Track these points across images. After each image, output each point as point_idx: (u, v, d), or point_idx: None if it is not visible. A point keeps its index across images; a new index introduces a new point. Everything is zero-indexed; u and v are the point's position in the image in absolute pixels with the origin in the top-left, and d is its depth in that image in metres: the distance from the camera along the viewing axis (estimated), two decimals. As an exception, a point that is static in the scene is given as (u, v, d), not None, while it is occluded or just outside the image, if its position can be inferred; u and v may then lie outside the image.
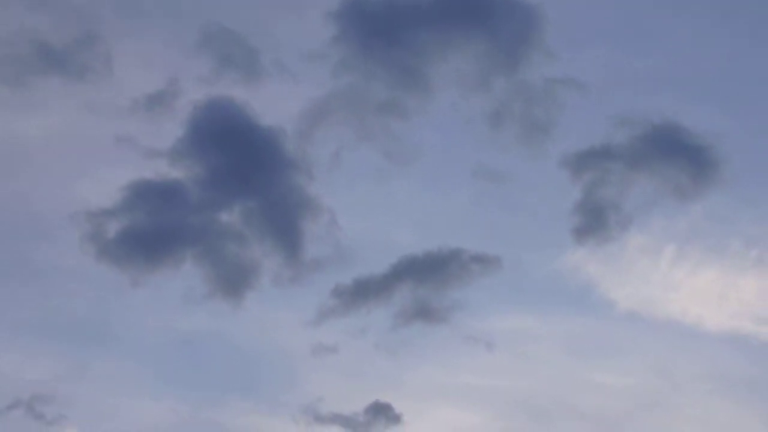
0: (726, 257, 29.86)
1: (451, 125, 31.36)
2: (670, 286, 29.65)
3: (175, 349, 29.68)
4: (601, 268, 29.69)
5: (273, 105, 30.09)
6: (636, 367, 29.28)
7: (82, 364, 28.96)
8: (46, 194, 30.82)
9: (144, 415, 28.59)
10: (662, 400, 28.56)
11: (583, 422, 28.43)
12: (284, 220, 28.68)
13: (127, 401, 28.61)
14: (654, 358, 29.34)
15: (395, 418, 26.68)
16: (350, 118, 29.98)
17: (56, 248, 30.01)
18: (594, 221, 28.75)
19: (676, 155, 29.25)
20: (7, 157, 30.84)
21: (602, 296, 29.35)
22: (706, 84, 32.36)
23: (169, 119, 29.48)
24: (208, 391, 29.10)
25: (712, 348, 28.95)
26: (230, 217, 28.88)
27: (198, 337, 29.93)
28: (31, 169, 30.90)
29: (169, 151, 28.78)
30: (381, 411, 26.75)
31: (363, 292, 28.10)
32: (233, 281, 27.97)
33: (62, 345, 29.23)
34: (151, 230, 28.06)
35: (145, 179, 28.66)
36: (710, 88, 32.24)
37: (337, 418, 26.76)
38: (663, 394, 28.72)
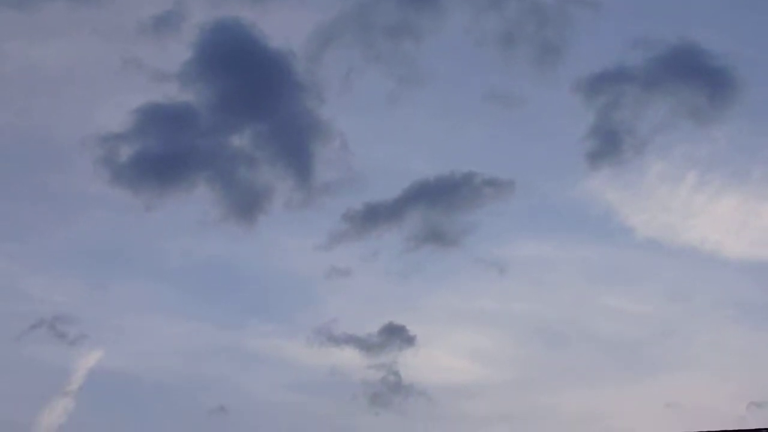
0: (747, 184, 29.55)
1: (462, 48, 31.01)
2: (690, 213, 29.38)
3: (192, 272, 29.92)
4: (620, 194, 29.45)
5: (281, 27, 29.70)
6: (653, 293, 29.20)
7: (102, 286, 29.28)
8: (56, 120, 30.89)
9: (165, 336, 29.06)
10: (679, 327, 28.47)
11: (600, 347, 28.44)
12: (295, 144, 28.52)
13: (147, 323, 28.97)
14: (672, 285, 29.16)
15: (409, 340, 26.76)
16: (360, 40, 29.60)
17: (70, 174, 30.14)
18: (608, 145, 28.44)
19: (694, 78, 28.66)
20: (16, 85, 30.99)
21: (621, 223, 29.18)
22: (725, 3, 31.77)
23: (177, 42, 29.23)
24: (225, 313, 29.36)
25: (731, 275, 28.72)
26: (241, 140, 28.78)
27: (213, 261, 30.14)
28: (41, 95, 30.93)
29: (177, 75, 28.59)
30: (395, 332, 26.78)
31: (374, 216, 28.09)
32: (246, 205, 27.99)
33: (82, 268, 29.55)
34: (163, 154, 28.00)
35: (155, 103, 28.60)
36: (730, 8, 31.60)
37: (351, 340, 26.88)
38: (680, 321, 28.62)
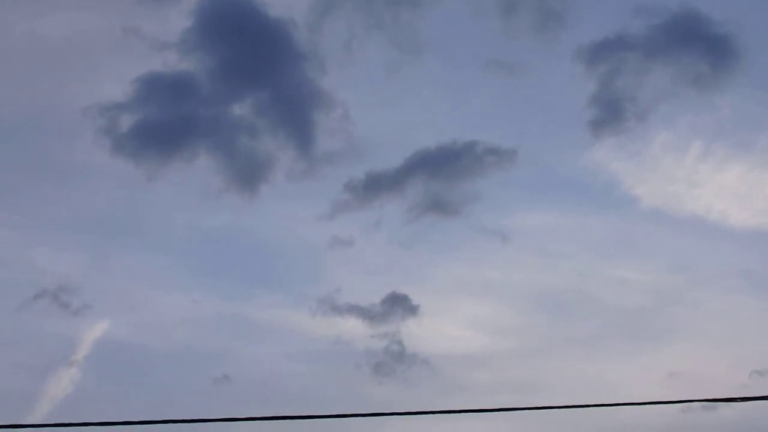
0: (753, 153, 29.41)
1: (463, 16, 30.86)
2: (695, 183, 29.26)
3: (195, 242, 30.00)
4: (624, 165, 29.37)
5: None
6: (658, 263, 29.16)
7: (105, 257, 29.36)
8: (57, 90, 30.79)
9: (168, 306, 29.16)
10: (683, 296, 28.48)
11: (604, 317, 28.48)
12: (296, 113, 28.47)
13: (151, 293, 29.07)
14: (676, 255, 29.16)
15: (412, 309, 26.75)
16: (360, 9, 29.45)
17: (71, 144, 30.14)
18: (610, 114, 28.32)
19: (695, 45, 28.48)
20: (16, 56, 30.84)
21: (625, 193, 29.13)
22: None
23: (176, 10, 29.05)
24: (228, 283, 29.43)
25: (736, 245, 28.68)
26: (242, 110, 28.72)
27: (216, 231, 30.19)
28: (40, 65, 30.84)
29: (177, 43, 28.37)
30: (398, 302, 26.76)
31: (376, 186, 28.09)
32: (247, 175, 28.00)
33: (85, 239, 29.60)
34: (164, 124, 27.93)
35: (155, 72, 28.41)
36: (733, -26, 31.38)
37: (354, 309, 26.90)
38: (684, 290, 28.62)
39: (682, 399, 8.69)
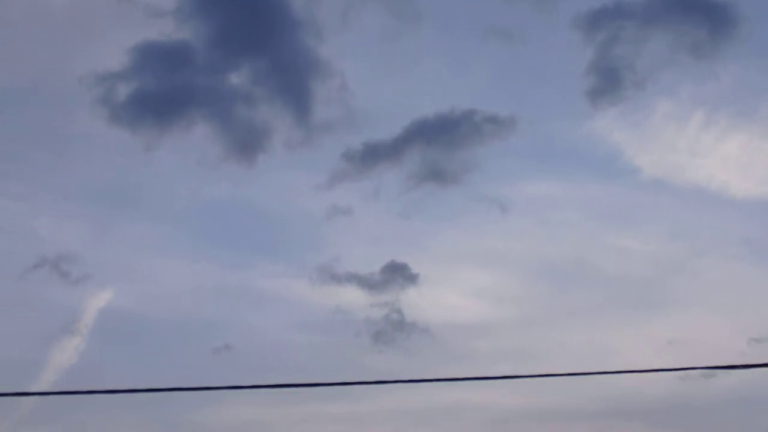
0: (754, 123, 29.28)
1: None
2: (697, 153, 29.21)
3: (194, 212, 29.97)
4: (626, 135, 29.33)
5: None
6: (659, 232, 29.20)
7: (105, 226, 29.35)
8: (53, 59, 30.64)
9: (169, 276, 29.21)
10: (684, 265, 28.54)
11: (605, 286, 28.57)
12: (294, 82, 28.32)
13: (151, 263, 29.09)
14: (678, 224, 29.19)
15: (411, 278, 26.80)
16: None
17: (68, 114, 30.02)
18: (608, 82, 28.22)
19: (693, 12, 28.22)
20: (13, 25, 30.64)
21: (627, 163, 29.10)
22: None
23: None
24: (228, 253, 29.48)
25: (737, 214, 28.70)
26: (239, 78, 28.63)
27: (214, 201, 30.17)
28: (37, 33, 30.62)
29: (173, 11, 28.11)
30: (397, 270, 26.79)
31: (374, 155, 28.04)
32: (245, 144, 27.90)
33: (84, 208, 29.58)
34: (161, 93, 27.74)
35: (151, 41, 28.17)
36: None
37: (353, 278, 26.97)
38: (685, 259, 28.68)
39: (684, 366, 8.74)
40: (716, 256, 28.62)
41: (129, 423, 24.75)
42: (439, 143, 28.18)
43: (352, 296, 27.40)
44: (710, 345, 25.77)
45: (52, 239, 28.14)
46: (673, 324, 26.97)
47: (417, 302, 27.00)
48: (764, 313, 25.99)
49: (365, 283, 26.93)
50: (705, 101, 29.23)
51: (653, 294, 28.01)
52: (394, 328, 25.92)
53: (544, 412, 25.71)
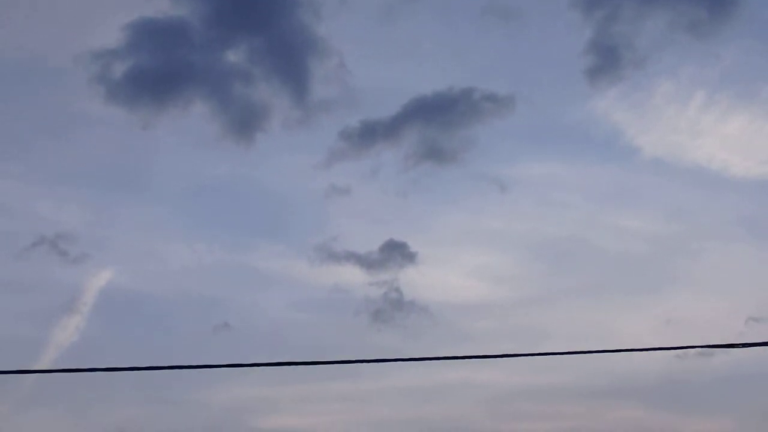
0: (756, 103, 29.23)
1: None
2: (697, 133, 29.21)
3: (192, 191, 29.84)
4: (627, 115, 29.28)
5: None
6: (660, 213, 29.19)
7: (103, 205, 29.31)
8: (48, 37, 30.49)
9: (167, 255, 29.21)
10: (685, 246, 28.58)
11: (605, 266, 28.59)
12: (292, 60, 28.23)
13: (149, 242, 29.08)
14: (678, 205, 29.18)
15: (410, 257, 26.81)
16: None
17: (64, 92, 29.89)
18: (607, 61, 28.15)
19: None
20: (3, 4, 30.47)
21: (627, 143, 29.09)
22: None
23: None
24: (227, 232, 29.46)
25: (737, 194, 28.71)
26: (236, 56, 28.51)
27: (213, 180, 30.10)
28: (31, 11, 30.48)
29: (169, -13, 28.27)
30: (396, 249, 26.80)
31: (372, 134, 28.01)
32: (243, 123, 27.85)
33: (82, 187, 29.53)
34: (157, 70, 27.60)
35: (147, 18, 27.95)
36: None
37: (352, 257, 27.00)
38: (686, 240, 28.71)
39: (682, 345, 8.77)
40: (716, 236, 28.68)
41: (129, 401, 24.87)
42: (438, 122, 28.16)
43: (351, 275, 27.46)
44: (708, 324, 25.89)
45: (49, 218, 28.16)
46: (671, 303, 27.08)
47: (416, 281, 27.07)
48: (763, 292, 26.08)
49: (364, 261, 26.99)
50: (706, 81, 29.20)
51: (652, 274, 28.08)
52: (393, 307, 25.99)
53: (543, 390, 25.82)
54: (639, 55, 27.99)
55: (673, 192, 29.30)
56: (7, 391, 23.07)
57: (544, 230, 29.19)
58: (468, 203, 29.35)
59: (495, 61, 30.62)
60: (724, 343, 9.38)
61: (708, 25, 28.05)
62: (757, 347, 9.02)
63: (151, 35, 27.67)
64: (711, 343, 9.94)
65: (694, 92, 29.09)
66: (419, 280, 27.10)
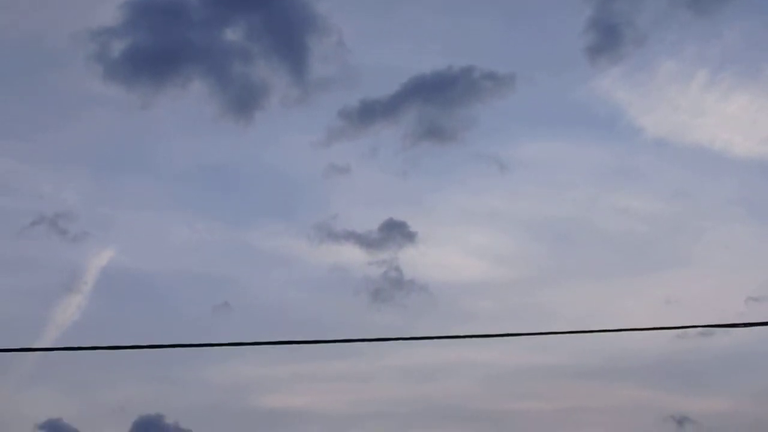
0: (758, 82, 29.17)
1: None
2: (700, 113, 29.16)
3: (192, 171, 29.88)
4: (629, 94, 29.19)
5: None
6: (662, 192, 29.21)
7: (103, 184, 29.42)
8: (45, 15, 30.39)
9: (167, 234, 29.26)
10: (686, 225, 28.64)
11: (606, 246, 28.65)
12: (290, 38, 28.13)
13: (148, 221, 29.19)
14: (680, 184, 29.19)
15: (410, 236, 26.78)
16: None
17: (63, 71, 29.83)
18: (608, 39, 28.05)
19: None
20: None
21: (629, 123, 29.02)
22: None
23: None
24: (227, 211, 29.49)
25: (740, 174, 28.73)
26: (235, 34, 28.42)
27: (212, 159, 30.08)
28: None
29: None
30: (395, 228, 26.79)
31: (371, 113, 27.92)
32: (242, 101, 27.76)
33: (82, 166, 29.57)
34: (156, 49, 27.49)
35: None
36: None
37: (351, 236, 27.00)
38: (688, 219, 28.77)
39: (682, 325, 8.76)
40: (716, 216, 28.68)
41: (131, 379, 24.93)
42: (437, 101, 28.07)
43: (351, 254, 27.47)
44: (708, 304, 25.91)
45: (49, 197, 28.16)
46: (672, 283, 27.09)
47: (415, 260, 27.08)
48: (763, 272, 26.09)
49: (363, 241, 26.98)
50: (708, 60, 29.10)
51: (652, 254, 28.10)
52: (393, 287, 26.01)
53: (543, 370, 25.89)
54: (640, 33, 27.91)
55: (674, 172, 29.30)
56: (9, 370, 23.14)
57: (545, 210, 29.19)
58: (468, 183, 29.34)
59: (495, 40, 30.56)
60: (724, 323, 9.36)
61: (710, 2, 27.97)
62: (757, 327, 9.01)
63: (149, 13, 27.66)
64: (710, 323, 9.91)
65: (697, 71, 29.02)
66: (419, 260, 27.13)
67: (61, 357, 27.82)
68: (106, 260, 26.29)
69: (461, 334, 8.31)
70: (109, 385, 24.91)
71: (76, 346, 7.12)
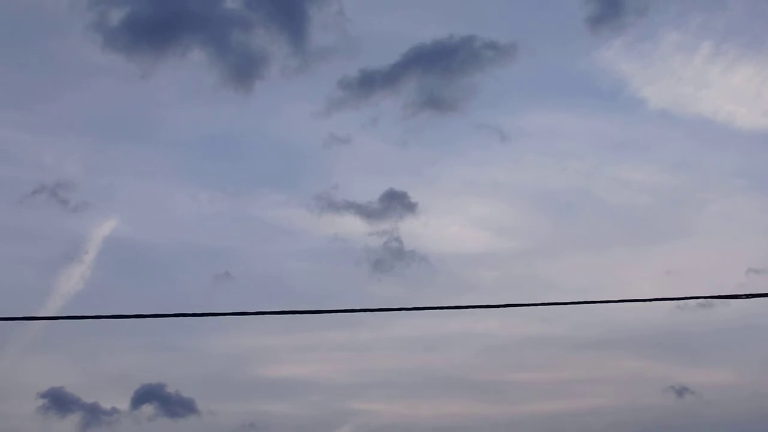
0: (763, 54, 29.13)
1: None
2: (703, 84, 29.17)
3: (192, 141, 29.97)
4: (632, 65, 29.15)
5: None
6: (665, 164, 29.36)
7: (103, 154, 29.48)
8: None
9: (167, 204, 29.29)
10: (689, 197, 28.73)
11: (608, 217, 28.73)
12: (290, 6, 28.02)
13: (150, 191, 29.31)
14: (683, 156, 29.33)
15: (410, 207, 26.85)
16: None
17: (61, 40, 29.76)
18: (609, 8, 28.03)
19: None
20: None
21: (633, 94, 28.98)
22: None
23: None
24: (227, 181, 29.68)
25: (743, 146, 28.83)
26: (235, 2, 28.37)
27: (213, 128, 30.15)
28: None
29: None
30: (396, 199, 26.88)
31: (371, 83, 27.85)
32: (241, 71, 27.71)
33: (82, 136, 29.60)
34: (155, 17, 27.39)
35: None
36: None
37: (351, 206, 27.05)
38: (691, 191, 28.87)
39: (683, 296, 8.78)
40: (718, 187, 28.71)
41: (133, 348, 25.05)
42: (438, 70, 28.02)
43: (351, 225, 27.53)
44: (709, 275, 26.01)
45: (50, 166, 28.18)
46: (673, 255, 27.21)
47: (416, 231, 27.15)
48: (764, 244, 26.14)
49: (364, 211, 27.03)
50: (713, 31, 28.98)
51: (654, 225, 28.18)
52: (393, 257, 26.09)
53: (544, 340, 26.02)
54: (642, 3, 27.79)
55: (677, 144, 29.27)
56: (14, 338, 23.26)
57: (546, 181, 29.20)
58: (469, 153, 29.33)
59: (496, 9, 30.46)
60: (725, 294, 9.38)
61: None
62: (758, 298, 9.02)
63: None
64: (711, 294, 9.93)
65: (701, 42, 28.92)
66: (419, 230, 27.18)
67: (63, 326, 27.97)
68: (108, 230, 26.38)
69: (462, 305, 8.34)
70: (111, 354, 25.06)
71: (78, 315, 7.14)
